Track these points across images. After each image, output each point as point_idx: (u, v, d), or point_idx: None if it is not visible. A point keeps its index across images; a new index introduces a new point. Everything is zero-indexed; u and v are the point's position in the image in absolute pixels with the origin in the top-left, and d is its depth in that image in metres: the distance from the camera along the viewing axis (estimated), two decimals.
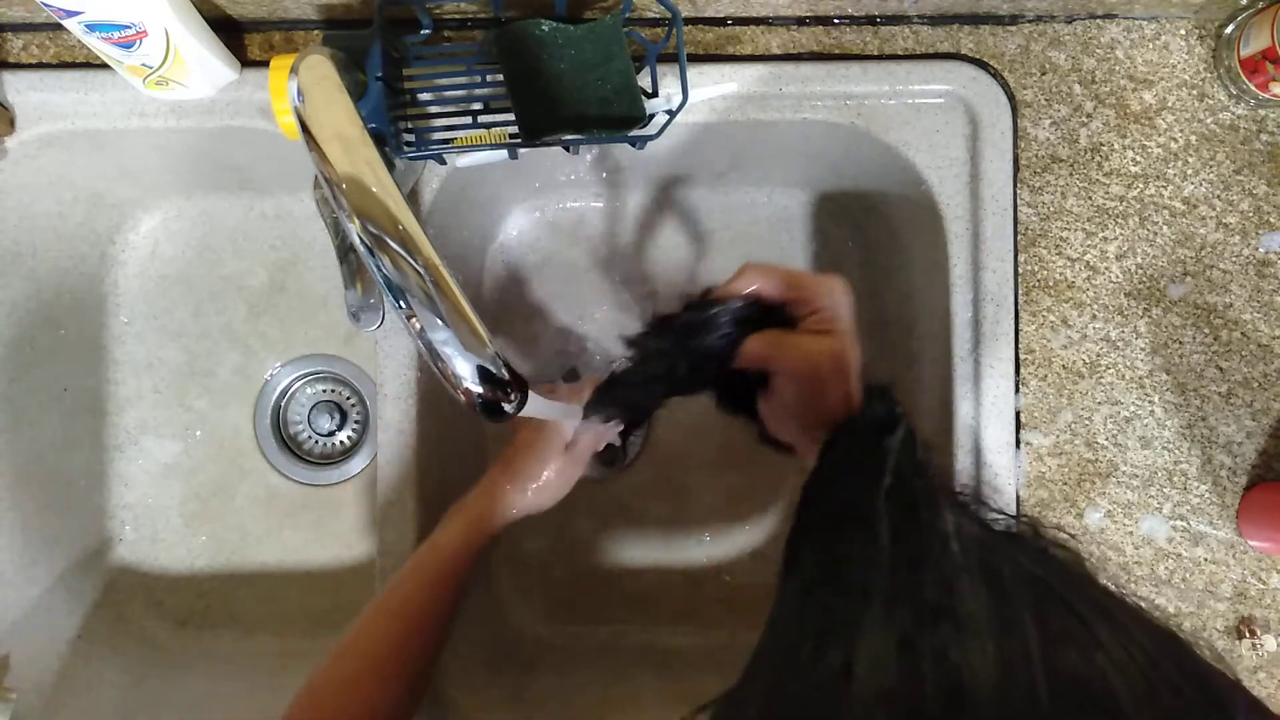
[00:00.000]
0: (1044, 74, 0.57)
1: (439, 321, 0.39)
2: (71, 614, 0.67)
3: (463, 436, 0.69)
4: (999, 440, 0.56)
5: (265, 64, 0.52)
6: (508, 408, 0.41)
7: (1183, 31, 0.57)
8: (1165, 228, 0.57)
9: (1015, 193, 0.56)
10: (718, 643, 0.70)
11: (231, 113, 0.56)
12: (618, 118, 0.50)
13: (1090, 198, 0.57)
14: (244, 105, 0.56)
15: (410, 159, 0.52)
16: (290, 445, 0.74)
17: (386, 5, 0.48)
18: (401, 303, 0.39)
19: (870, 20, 0.57)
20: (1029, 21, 0.57)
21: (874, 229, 0.70)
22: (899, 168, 0.58)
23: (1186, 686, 0.21)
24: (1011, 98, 0.56)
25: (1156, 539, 0.57)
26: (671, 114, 0.49)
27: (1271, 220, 0.57)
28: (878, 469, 0.28)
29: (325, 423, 0.74)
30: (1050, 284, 0.57)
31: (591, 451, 0.56)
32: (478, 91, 0.52)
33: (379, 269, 0.39)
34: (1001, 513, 0.30)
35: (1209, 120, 0.57)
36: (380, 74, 0.48)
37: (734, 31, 0.56)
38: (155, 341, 0.73)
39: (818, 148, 0.62)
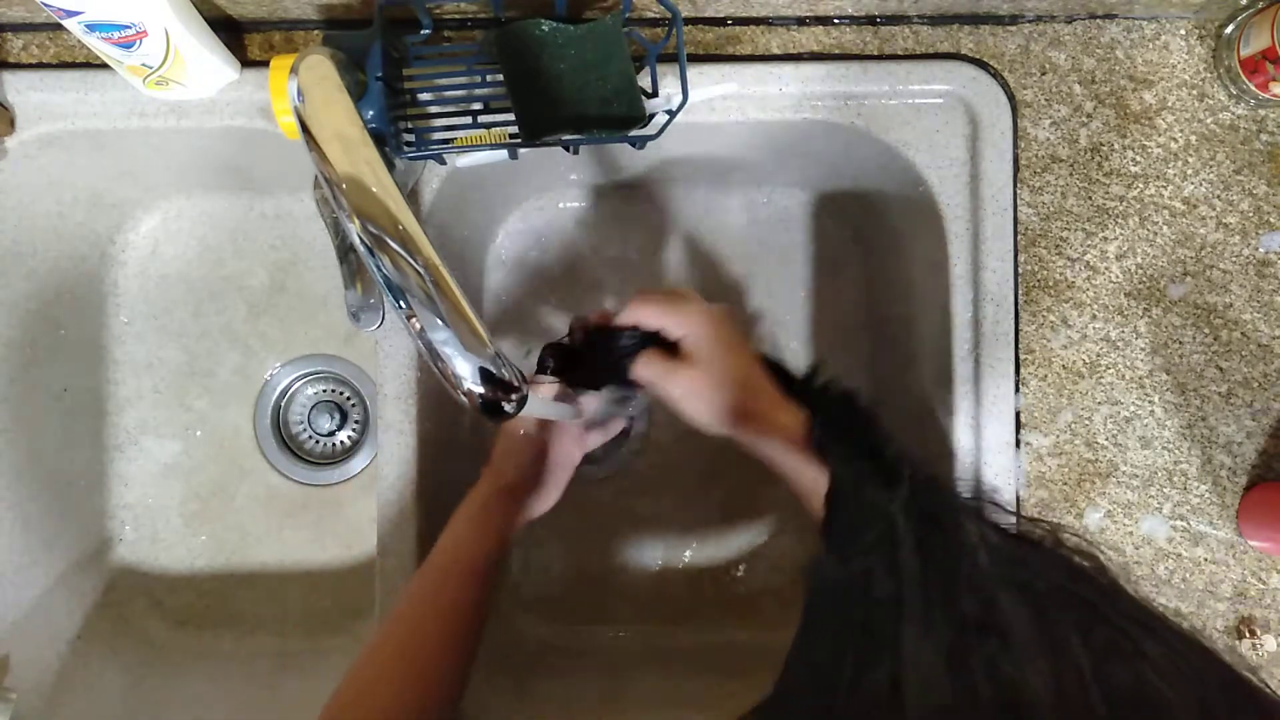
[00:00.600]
0: (1044, 74, 0.57)
1: (439, 321, 0.39)
2: (71, 614, 0.67)
3: (463, 436, 0.69)
4: (999, 440, 0.56)
5: (265, 64, 0.52)
6: (508, 408, 0.41)
7: (1183, 31, 0.57)
8: (1165, 228, 0.57)
9: (1015, 193, 0.56)
10: (717, 643, 0.70)
11: (231, 113, 0.56)
12: (618, 118, 0.50)
13: (1090, 198, 0.57)
14: (244, 105, 0.56)
15: (410, 159, 0.52)
16: (290, 445, 0.74)
17: (386, 5, 0.48)
18: (401, 303, 0.39)
19: (870, 20, 0.57)
20: (1029, 21, 0.57)
21: (874, 229, 0.70)
22: (899, 168, 0.58)
23: (1235, 695, 0.21)
24: (1011, 98, 0.56)
25: (1156, 539, 0.57)
26: (671, 114, 0.49)
27: (1271, 220, 0.57)
28: (894, 484, 0.28)
29: (325, 423, 0.74)
30: (1050, 284, 0.57)
31: (576, 449, 0.56)
32: (478, 91, 0.52)
33: (379, 269, 0.39)
34: (1016, 514, 0.30)
35: (1209, 120, 0.57)
36: (380, 74, 0.48)
37: (734, 31, 0.56)
38: (155, 341, 0.73)
39: (818, 148, 0.62)
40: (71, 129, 0.57)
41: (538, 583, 0.72)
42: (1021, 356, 0.57)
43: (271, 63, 0.50)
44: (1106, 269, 0.57)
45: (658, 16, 0.56)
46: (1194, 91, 0.57)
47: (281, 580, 0.72)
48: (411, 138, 0.52)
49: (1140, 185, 0.57)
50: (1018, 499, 0.56)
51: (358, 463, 0.73)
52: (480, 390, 0.39)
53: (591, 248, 0.73)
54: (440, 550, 0.52)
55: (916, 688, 0.21)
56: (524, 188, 0.70)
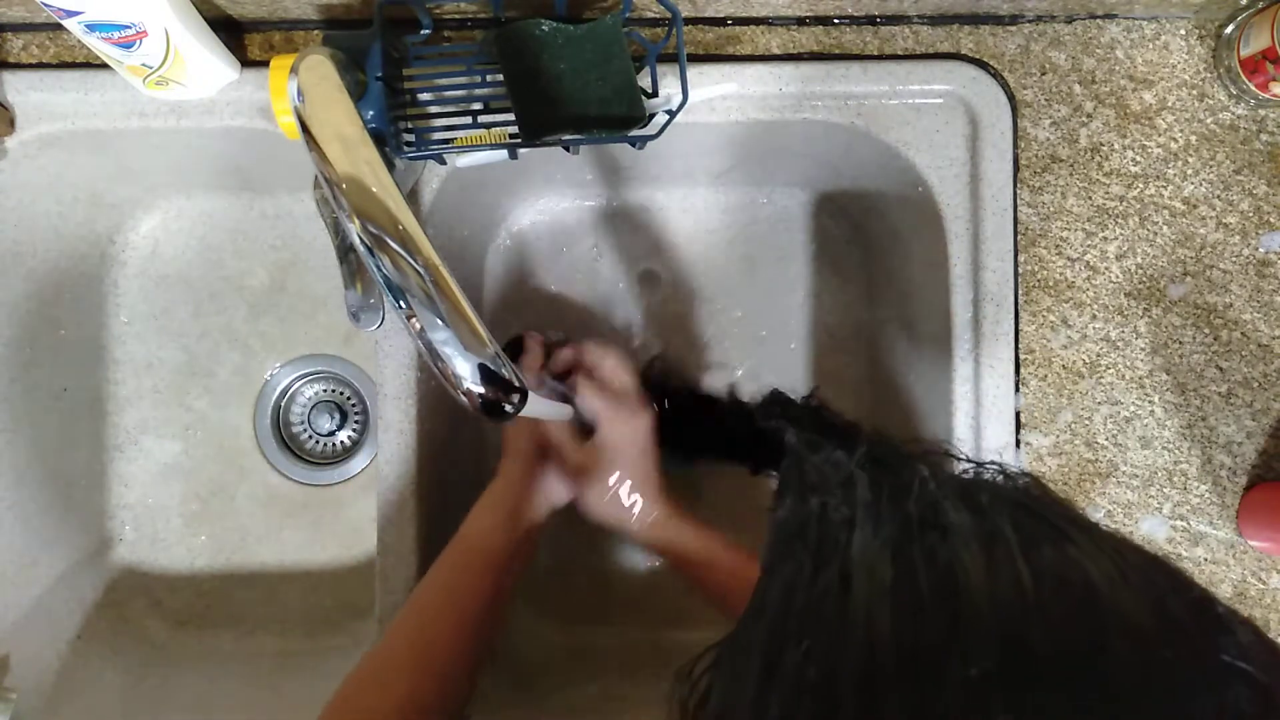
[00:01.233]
0: (1044, 74, 0.57)
1: (439, 321, 0.39)
2: (71, 614, 0.67)
3: (463, 436, 0.69)
4: (999, 440, 0.56)
5: (265, 64, 0.52)
6: (508, 408, 0.41)
7: (1183, 31, 0.57)
8: (1165, 228, 0.57)
9: (1015, 193, 0.56)
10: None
11: (231, 113, 0.56)
12: (618, 118, 0.50)
13: (1090, 198, 0.57)
14: (244, 105, 0.56)
15: (410, 159, 0.52)
16: (290, 445, 0.74)
17: (386, 5, 0.48)
18: (401, 303, 0.39)
19: (870, 20, 0.57)
20: (1029, 21, 0.57)
21: (874, 229, 0.70)
22: (899, 168, 0.58)
23: (1154, 570, 0.23)
24: (1011, 98, 0.56)
25: (1156, 539, 0.57)
26: (671, 114, 0.49)
27: (1271, 220, 0.57)
28: (851, 447, 0.30)
29: (325, 423, 0.74)
30: (1050, 284, 0.57)
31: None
32: (478, 91, 0.52)
33: (379, 269, 0.39)
34: (970, 460, 0.32)
35: (1209, 120, 0.57)
36: (380, 74, 0.48)
37: (734, 31, 0.56)
38: (155, 341, 0.73)
39: (818, 148, 0.62)
40: (71, 129, 0.57)
41: (538, 583, 0.72)
42: (1021, 356, 0.57)
43: (271, 63, 0.50)
44: (1106, 269, 0.57)
45: (658, 16, 0.56)
46: (1194, 91, 0.57)
47: (281, 580, 0.72)
48: (411, 138, 0.52)
49: (1140, 185, 0.57)
50: None
51: (358, 463, 0.73)
52: (480, 390, 0.40)
53: (591, 248, 0.73)
54: (460, 539, 0.53)
55: (861, 575, 0.23)
56: (524, 188, 0.70)
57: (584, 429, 0.55)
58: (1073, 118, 0.57)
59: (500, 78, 0.51)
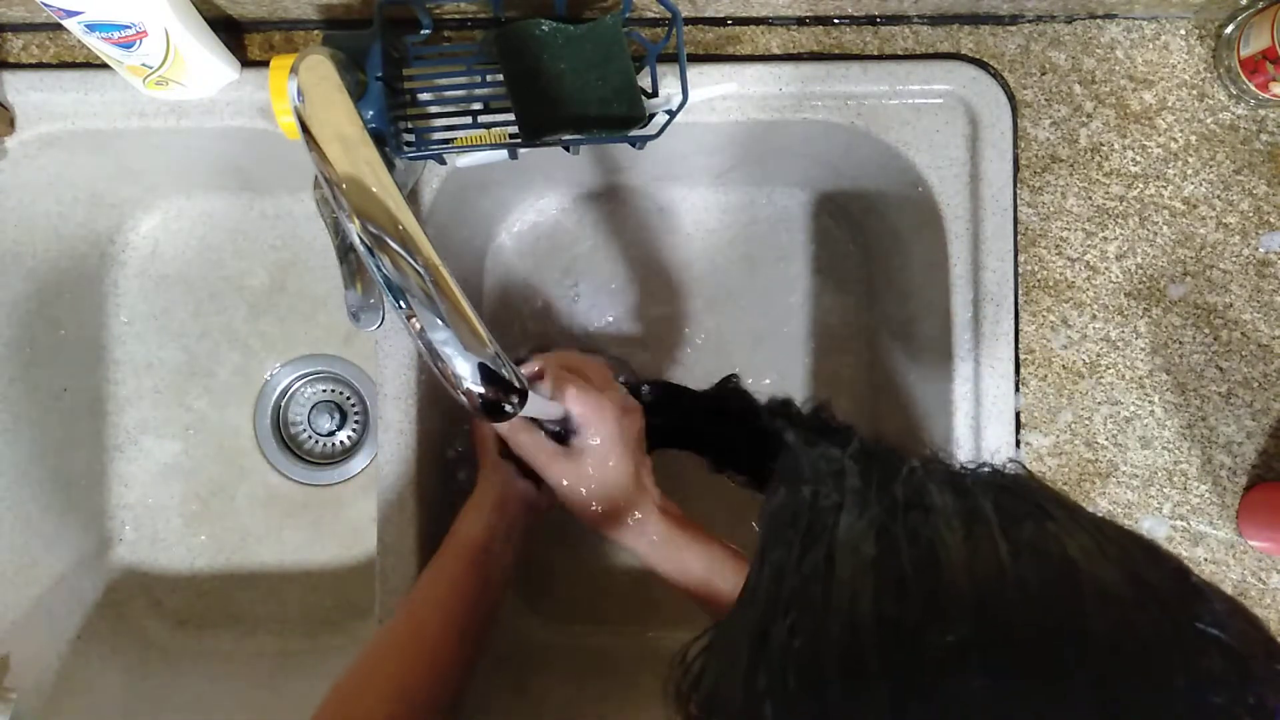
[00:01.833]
0: (1044, 74, 0.57)
1: (439, 321, 0.39)
2: (71, 614, 0.67)
3: (463, 436, 0.69)
4: (999, 440, 0.56)
5: (265, 64, 0.52)
6: (508, 408, 0.41)
7: (1183, 31, 0.57)
8: (1165, 228, 0.57)
9: (1015, 193, 0.56)
10: None
11: (231, 113, 0.56)
12: (618, 118, 0.50)
13: (1090, 198, 0.57)
14: (244, 105, 0.56)
15: (410, 159, 0.52)
16: (290, 445, 0.74)
17: (386, 5, 0.48)
18: (401, 303, 0.39)
19: (870, 20, 0.57)
20: (1029, 21, 0.57)
21: (874, 229, 0.70)
22: (899, 168, 0.58)
23: (1131, 543, 0.23)
24: (1011, 98, 0.56)
25: (1156, 539, 0.57)
26: (671, 114, 0.49)
27: (1271, 220, 0.57)
28: (844, 443, 0.31)
29: (325, 423, 0.74)
30: (1050, 284, 0.57)
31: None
32: (478, 91, 0.52)
33: (379, 269, 0.39)
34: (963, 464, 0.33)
35: (1209, 120, 0.57)
36: (380, 74, 0.48)
37: (734, 31, 0.56)
38: (155, 341, 0.73)
39: (818, 148, 0.62)
40: (71, 129, 0.57)
41: (538, 583, 0.72)
42: (1021, 356, 0.57)
43: (271, 63, 0.50)
44: (1106, 269, 0.57)
45: (658, 16, 0.56)
46: (1194, 91, 0.57)
47: (281, 580, 0.72)
48: (411, 138, 0.52)
49: (1140, 185, 0.57)
50: None
51: (358, 463, 0.73)
52: (480, 390, 0.40)
53: (591, 248, 0.73)
54: (448, 539, 0.54)
55: (846, 553, 0.24)
56: (524, 188, 0.70)
57: (558, 435, 0.54)
58: (1073, 118, 0.57)
59: (500, 78, 0.51)
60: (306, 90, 0.41)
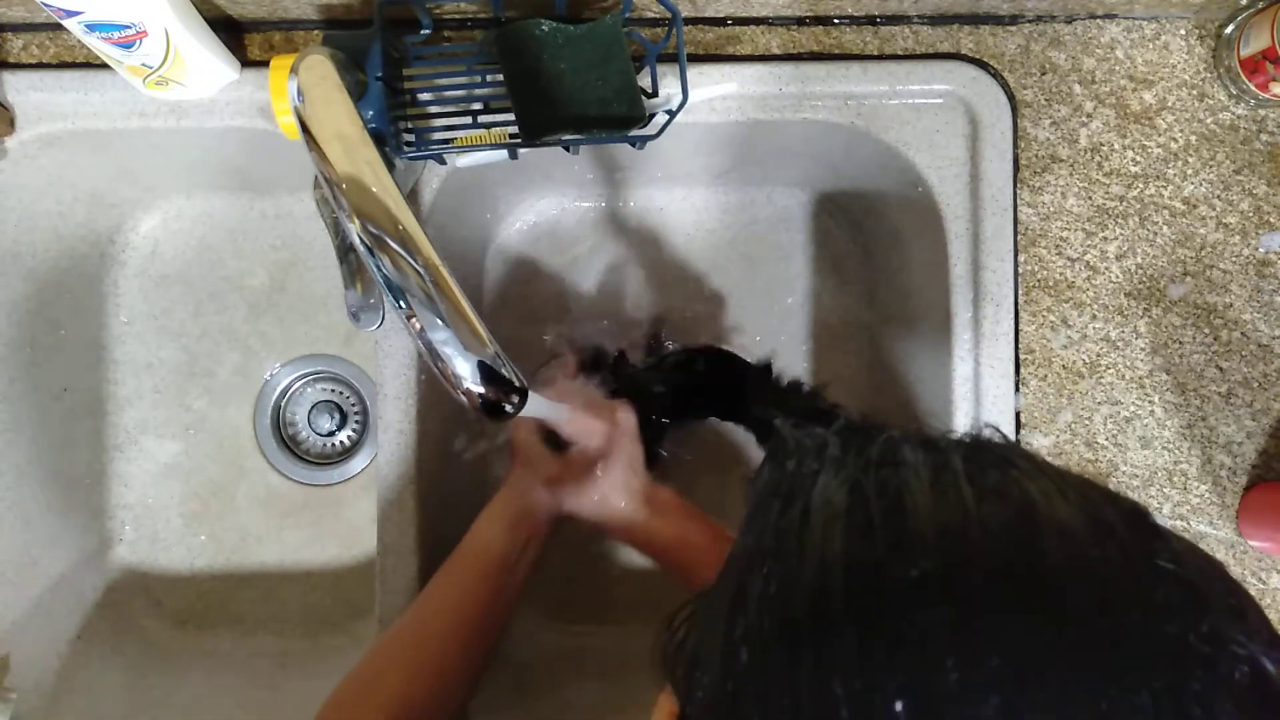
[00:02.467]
0: (1044, 74, 0.57)
1: (439, 321, 0.39)
2: (71, 614, 0.67)
3: (463, 435, 0.69)
4: None
5: (265, 64, 0.52)
6: (508, 408, 0.41)
7: (1183, 31, 0.57)
8: (1165, 228, 0.57)
9: (1015, 193, 0.56)
10: None
11: (231, 113, 0.56)
12: (618, 118, 0.50)
13: (1090, 198, 0.57)
14: (244, 105, 0.56)
15: (410, 159, 0.52)
16: (290, 445, 0.74)
17: (386, 5, 0.48)
18: (401, 303, 0.39)
19: (870, 20, 0.57)
20: (1029, 21, 0.57)
21: (874, 229, 0.70)
22: (899, 168, 0.58)
23: (1091, 488, 0.24)
24: (1011, 98, 0.56)
25: None
26: (671, 114, 0.49)
27: (1271, 220, 0.57)
28: (830, 421, 0.32)
29: (325, 423, 0.74)
30: (1050, 284, 0.57)
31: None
32: (478, 91, 0.52)
33: (379, 269, 0.39)
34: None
35: (1209, 120, 0.57)
36: (380, 74, 0.48)
37: (734, 31, 0.56)
38: (155, 341, 0.73)
39: (818, 148, 0.62)
40: (71, 129, 0.57)
41: (538, 583, 0.72)
42: (1021, 356, 0.57)
43: (271, 63, 0.50)
44: (1106, 269, 0.57)
45: (658, 16, 0.56)
46: (1194, 91, 0.57)
47: (281, 580, 0.72)
48: (411, 138, 0.52)
49: (1140, 185, 0.57)
50: None
51: (358, 463, 0.73)
52: (480, 390, 0.40)
53: (591, 248, 0.73)
54: (464, 544, 0.53)
55: (819, 506, 0.25)
56: (524, 188, 0.70)
57: (558, 442, 0.56)
58: (1073, 118, 0.57)
59: (500, 78, 0.51)
60: (306, 90, 0.41)
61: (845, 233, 0.73)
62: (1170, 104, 0.57)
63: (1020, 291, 0.56)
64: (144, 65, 0.50)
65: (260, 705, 0.64)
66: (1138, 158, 0.57)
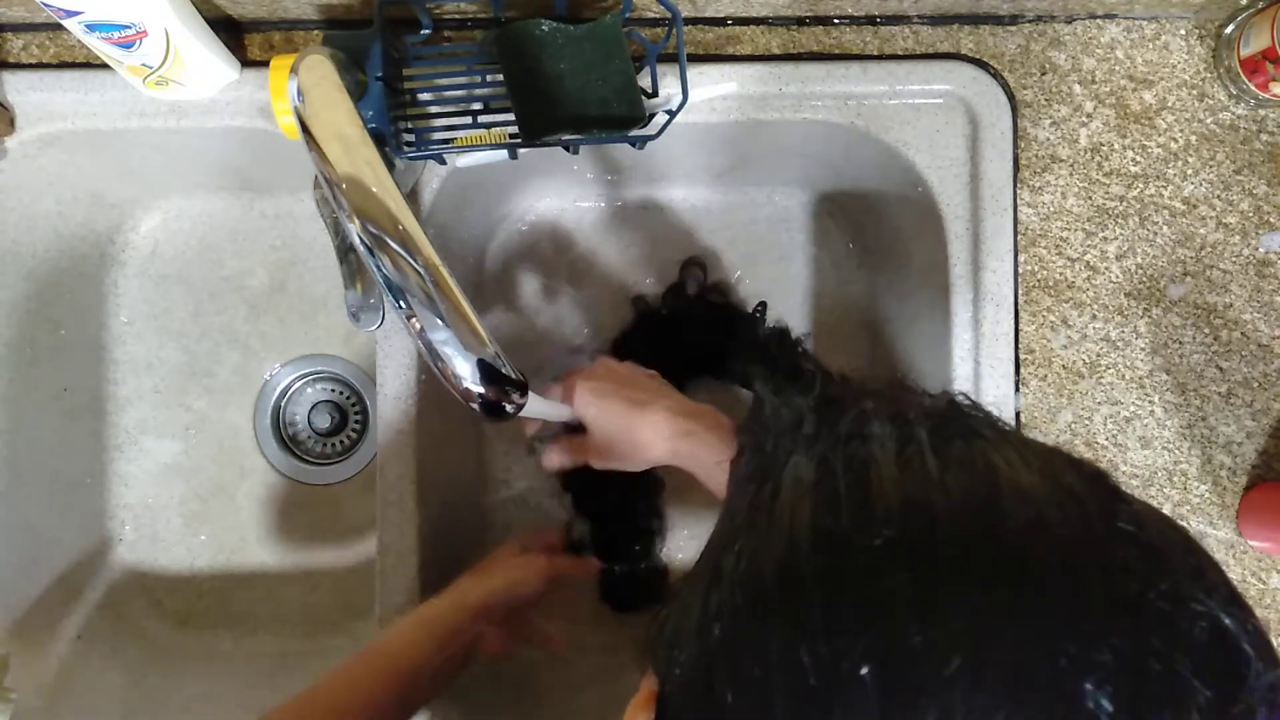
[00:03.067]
0: (1044, 74, 0.57)
1: (439, 321, 0.39)
2: (71, 614, 0.67)
3: (463, 436, 0.69)
4: None
5: (265, 64, 0.52)
6: (509, 407, 0.41)
7: (1183, 31, 0.57)
8: (1165, 228, 0.57)
9: (1015, 193, 0.56)
10: None
11: (231, 113, 0.56)
12: (618, 118, 0.50)
13: (1090, 198, 0.57)
14: (244, 105, 0.56)
15: (410, 159, 0.52)
16: (290, 445, 0.74)
17: (386, 5, 0.48)
18: (401, 303, 0.39)
19: (870, 20, 0.57)
20: (1029, 21, 0.57)
21: (874, 229, 0.70)
22: (899, 168, 0.58)
23: (1054, 455, 0.24)
24: (1011, 98, 0.56)
25: None
26: (671, 114, 0.49)
27: (1271, 220, 0.57)
28: (807, 389, 0.32)
29: (325, 422, 0.74)
30: (1050, 284, 0.57)
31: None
32: (478, 91, 0.52)
33: (379, 269, 0.39)
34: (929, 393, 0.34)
35: (1209, 120, 0.57)
36: (380, 74, 0.48)
37: (734, 31, 0.56)
38: (155, 341, 0.73)
39: (818, 148, 0.62)
40: (71, 129, 0.57)
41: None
42: (1021, 356, 0.57)
43: (271, 63, 0.50)
44: (1106, 269, 0.57)
45: (658, 16, 0.56)
46: (1194, 91, 0.57)
47: (281, 580, 0.72)
48: (411, 138, 0.52)
49: (1140, 185, 0.57)
50: None
51: (358, 463, 0.73)
52: (480, 390, 0.40)
53: (591, 248, 0.73)
54: (383, 644, 0.51)
55: (788, 482, 0.25)
56: (524, 188, 0.70)
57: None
58: (1073, 118, 0.57)
59: (500, 78, 0.51)
60: (306, 90, 0.41)
61: (845, 233, 0.73)
62: (1170, 104, 0.57)
63: (1020, 291, 0.56)
64: (144, 65, 0.50)
65: (260, 705, 0.64)
66: (1138, 158, 0.57)
